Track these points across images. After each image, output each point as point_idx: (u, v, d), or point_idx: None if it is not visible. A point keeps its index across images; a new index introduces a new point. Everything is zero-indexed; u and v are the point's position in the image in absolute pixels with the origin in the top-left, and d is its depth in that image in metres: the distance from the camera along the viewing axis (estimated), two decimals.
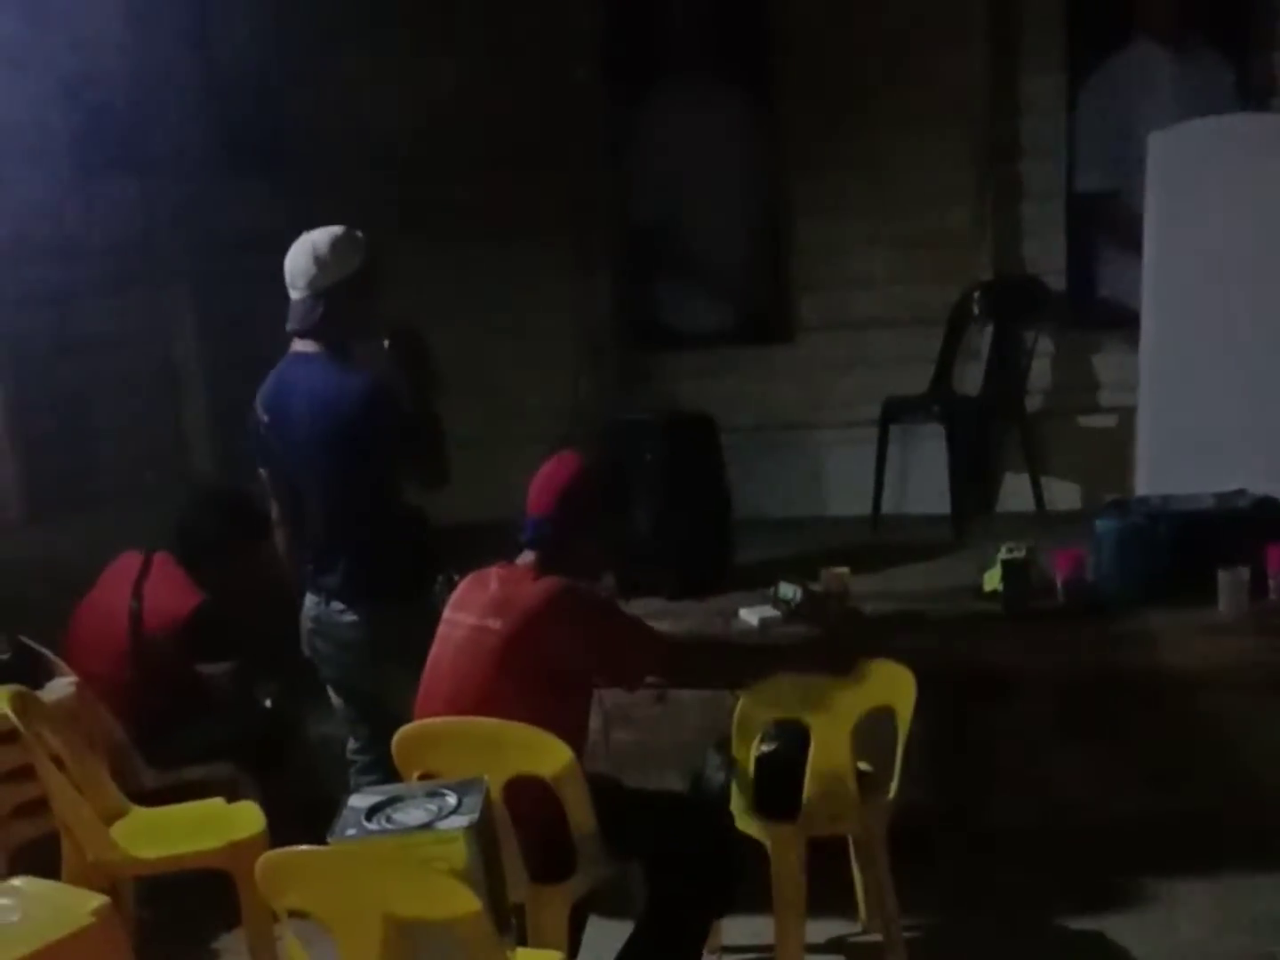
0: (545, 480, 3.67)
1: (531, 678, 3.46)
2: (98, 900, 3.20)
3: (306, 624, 4.06)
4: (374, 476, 3.86)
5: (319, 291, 3.82)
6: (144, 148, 5.92)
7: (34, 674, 4.33)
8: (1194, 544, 4.72)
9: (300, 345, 3.91)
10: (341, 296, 3.83)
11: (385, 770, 3.69)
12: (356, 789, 2.93)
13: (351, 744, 4.17)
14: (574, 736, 3.46)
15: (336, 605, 3.96)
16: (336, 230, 3.88)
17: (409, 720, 3.54)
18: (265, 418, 3.95)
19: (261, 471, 4.06)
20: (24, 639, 4.51)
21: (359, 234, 3.92)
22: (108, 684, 4.48)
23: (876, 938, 3.97)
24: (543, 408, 6.87)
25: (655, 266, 7.30)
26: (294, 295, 3.88)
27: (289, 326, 3.90)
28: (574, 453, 3.77)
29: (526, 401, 6.95)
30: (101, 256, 5.62)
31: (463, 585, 3.76)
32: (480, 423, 6.77)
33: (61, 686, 4.34)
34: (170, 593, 4.67)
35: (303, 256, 3.85)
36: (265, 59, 6.51)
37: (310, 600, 4.04)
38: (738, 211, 7.18)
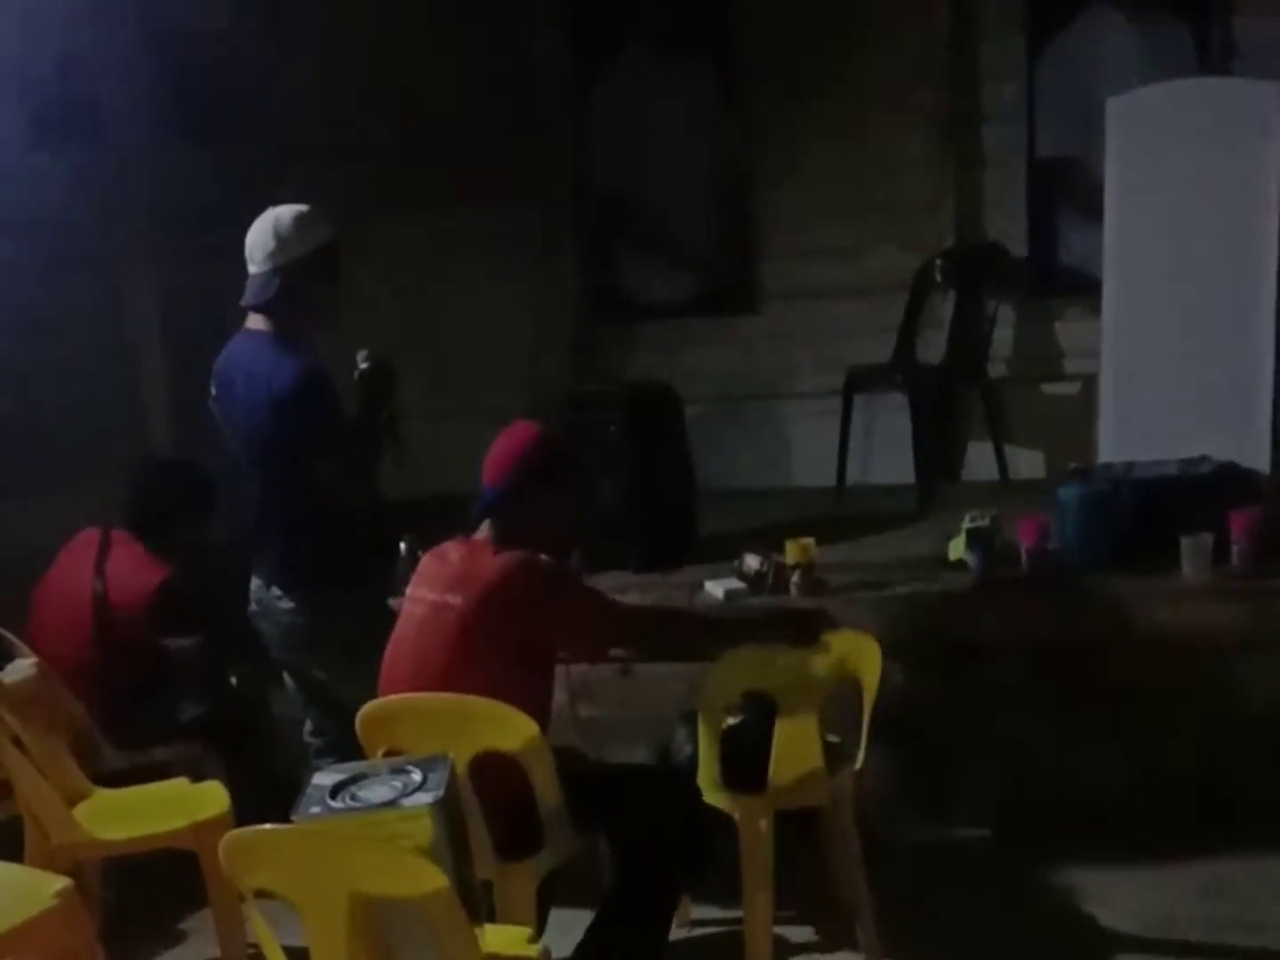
0: (498, 451, 3.65)
1: (494, 653, 3.44)
2: (61, 882, 3.19)
3: (252, 605, 4.03)
4: (299, 463, 3.78)
5: (277, 267, 3.79)
6: (97, 123, 5.87)
7: None
8: (1157, 510, 4.73)
9: (252, 322, 3.88)
10: (299, 275, 3.79)
11: (340, 754, 3.67)
12: (316, 770, 2.91)
13: (307, 726, 4.15)
14: (539, 711, 3.45)
15: (274, 590, 3.94)
16: (303, 207, 3.85)
17: (354, 707, 3.52)
18: (213, 390, 3.94)
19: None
20: None
21: (325, 215, 3.88)
22: (71, 664, 4.44)
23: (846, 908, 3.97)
24: (506, 380, 6.85)
25: (619, 238, 7.28)
26: (252, 269, 3.84)
27: (243, 301, 3.86)
28: (527, 423, 3.75)
29: (489, 373, 6.92)
30: (55, 234, 5.57)
31: (423, 561, 3.74)
32: (442, 395, 6.76)
33: (22, 668, 4.29)
34: (133, 569, 4.64)
35: (264, 230, 3.81)
36: (221, 31, 6.44)
37: (254, 582, 4.01)
38: (701, 182, 7.16)
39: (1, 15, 5.38)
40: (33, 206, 5.43)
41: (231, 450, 3.97)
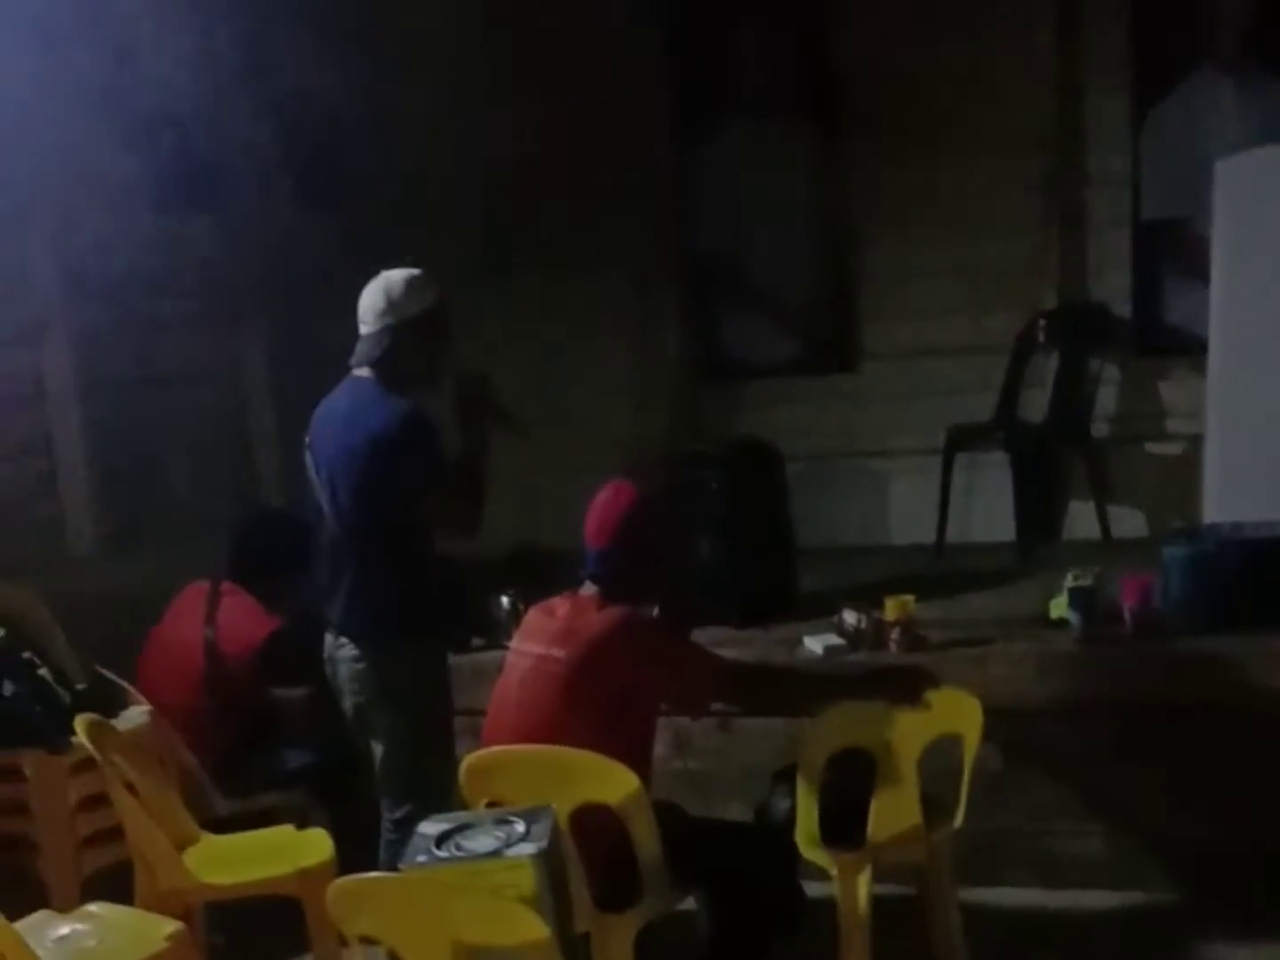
0: (601, 512, 3.70)
1: (597, 707, 3.48)
2: (172, 925, 3.27)
3: (328, 664, 4.05)
4: (391, 506, 3.82)
5: (386, 327, 3.88)
6: (220, 185, 6.03)
7: (109, 703, 4.41)
8: (1264, 571, 4.68)
9: (358, 372, 3.96)
10: (407, 335, 3.87)
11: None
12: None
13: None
14: (640, 764, 3.48)
15: (341, 639, 3.96)
16: (414, 271, 3.94)
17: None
18: (308, 437, 4.01)
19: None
20: (100, 669, 4.59)
21: (434, 279, 3.97)
22: (182, 713, 4.55)
23: None
24: (610, 438, 6.89)
25: (720, 297, 7.31)
26: (363, 329, 3.93)
27: (352, 360, 3.95)
28: (627, 482, 3.78)
29: (594, 432, 6.96)
30: (179, 292, 5.73)
31: (529, 614, 3.79)
32: (547, 453, 6.83)
33: (136, 715, 4.42)
34: (244, 620, 4.72)
35: (377, 293, 3.90)
36: (336, 97, 6.60)
37: (327, 636, 4.04)
38: (802, 242, 7.18)
39: (122, 80, 5.55)
40: (152, 267, 5.59)
41: (314, 499, 4.00)
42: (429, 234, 6.59)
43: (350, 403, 3.91)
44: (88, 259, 5.37)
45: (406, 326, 3.88)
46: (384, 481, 3.80)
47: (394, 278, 3.92)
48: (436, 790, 3.59)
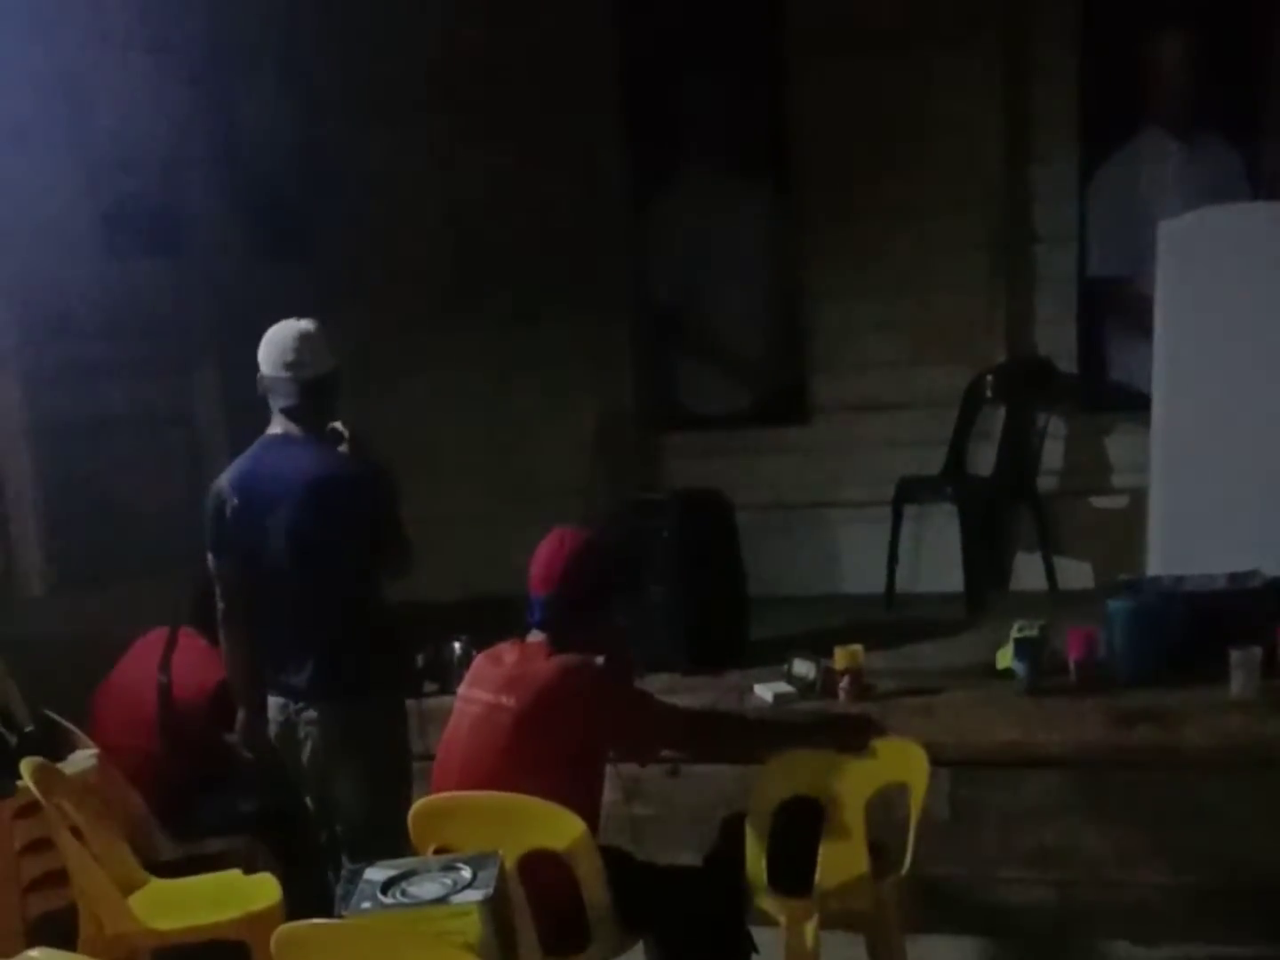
0: (545, 560, 3.69)
1: (545, 754, 3.49)
2: None
3: (274, 727, 4.00)
4: (358, 564, 3.86)
5: (318, 376, 3.86)
6: (175, 232, 6.04)
7: (56, 746, 4.39)
8: (1206, 624, 4.74)
9: (280, 428, 3.89)
10: (330, 386, 3.90)
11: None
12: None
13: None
14: (588, 810, 3.49)
15: (301, 704, 3.92)
16: (318, 324, 3.91)
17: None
18: (235, 501, 3.87)
19: (211, 559, 3.96)
20: (47, 712, 4.57)
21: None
22: (134, 756, 4.53)
23: None
24: (564, 486, 6.91)
25: (675, 349, 7.36)
26: (284, 374, 3.85)
27: (283, 404, 3.86)
28: (570, 529, 3.79)
29: (548, 480, 6.99)
30: (133, 337, 5.72)
31: (477, 661, 3.79)
32: (500, 500, 6.85)
33: (83, 759, 4.40)
34: (198, 665, 4.69)
35: (303, 340, 3.85)
36: (295, 146, 6.63)
37: (275, 702, 3.98)
38: (756, 296, 7.24)
39: (84, 126, 5.57)
40: (111, 312, 5.58)
41: (249, 562, 3.91)
42: (387, 284, 6.66)
43: (298, 467, 3.84)
44: (41, 302, 5.38)
45: (331, 379, 3.89)
46: (355, 546, 3.84)
47: (312, 331, 3.88)
48: (400, 839, 3.57)
